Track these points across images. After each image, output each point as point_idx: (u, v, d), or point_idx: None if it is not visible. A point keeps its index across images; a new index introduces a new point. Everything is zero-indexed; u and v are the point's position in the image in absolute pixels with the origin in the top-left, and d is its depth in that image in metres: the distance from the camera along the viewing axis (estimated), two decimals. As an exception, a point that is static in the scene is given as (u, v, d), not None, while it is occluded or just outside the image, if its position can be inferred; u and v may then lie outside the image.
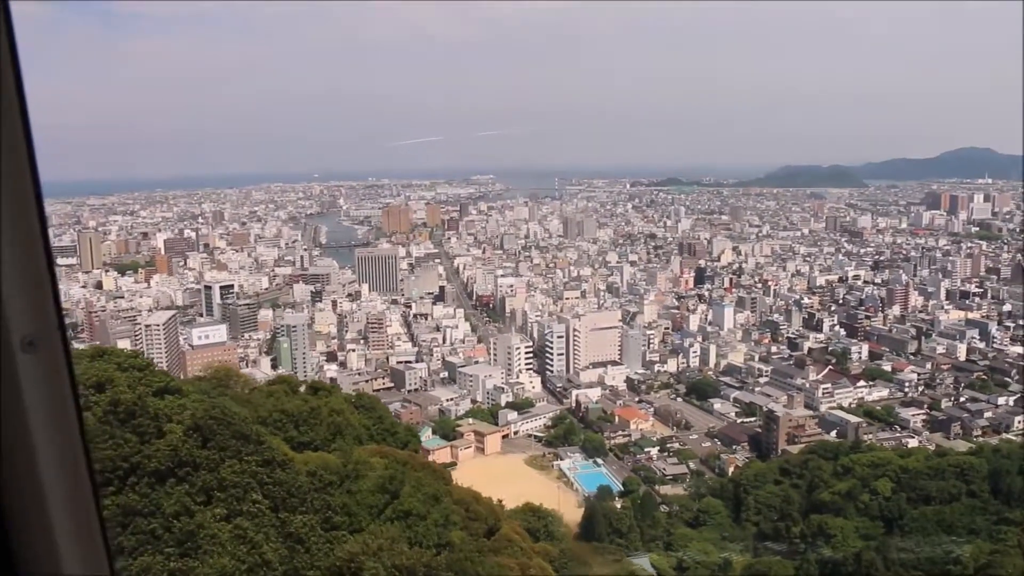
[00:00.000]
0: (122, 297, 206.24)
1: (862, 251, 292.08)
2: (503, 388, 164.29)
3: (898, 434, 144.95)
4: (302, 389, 58.11)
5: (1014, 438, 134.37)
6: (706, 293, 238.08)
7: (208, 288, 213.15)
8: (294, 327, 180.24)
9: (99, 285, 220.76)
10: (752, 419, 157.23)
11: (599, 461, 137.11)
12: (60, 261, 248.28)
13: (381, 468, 42.69)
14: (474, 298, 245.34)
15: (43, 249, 3.12)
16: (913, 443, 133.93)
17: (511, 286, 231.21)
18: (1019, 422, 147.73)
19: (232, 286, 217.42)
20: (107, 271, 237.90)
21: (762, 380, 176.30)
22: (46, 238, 3.14)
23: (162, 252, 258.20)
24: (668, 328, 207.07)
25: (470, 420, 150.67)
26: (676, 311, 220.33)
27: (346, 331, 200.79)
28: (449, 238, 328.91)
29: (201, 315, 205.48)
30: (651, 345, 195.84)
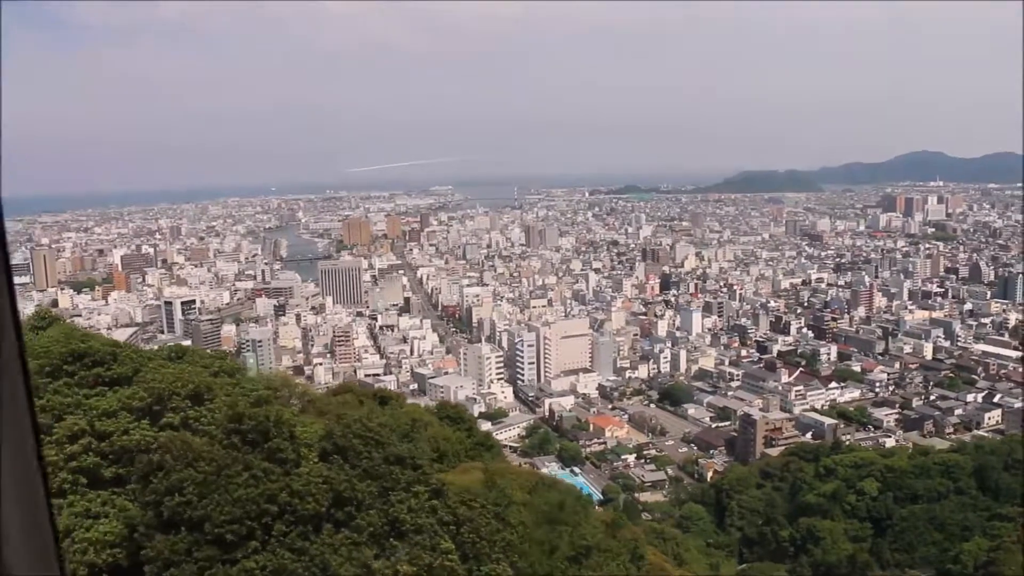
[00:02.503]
0: (79, 315, 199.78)
1: (823, 254, 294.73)
2: (475, 398, 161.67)
3: (873, 434, 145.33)
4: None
5: (986, 434, 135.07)
6: (672, 299, 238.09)
7: (169, 304, 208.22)
8: (259, 342, 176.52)
9: (55, 303, 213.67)
10: (727, 423, 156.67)
11: (576, 470, 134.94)
12: (14, 280, 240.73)
13: (524, 492, 34.88)
14: (440, 309, 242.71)
15: (2, 266, 3.04)
16: (890, 442, 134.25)
17: (477, 296, 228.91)
18: (989, 418, 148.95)
19: (193, 301, 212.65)
20: (63, 289, 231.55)
21: (734, 384, 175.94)
22: (5, 255, 3.06)
23: (119, 269, 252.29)
24: (637, 334, 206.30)
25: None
26: (644, 317, 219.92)
27: (312, 345, 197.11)
28: (411, 249, 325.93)
29: (162, 332, 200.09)
30: (621, 352, 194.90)
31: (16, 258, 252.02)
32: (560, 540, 32.54)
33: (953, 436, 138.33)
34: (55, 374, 25.29)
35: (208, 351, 39.98)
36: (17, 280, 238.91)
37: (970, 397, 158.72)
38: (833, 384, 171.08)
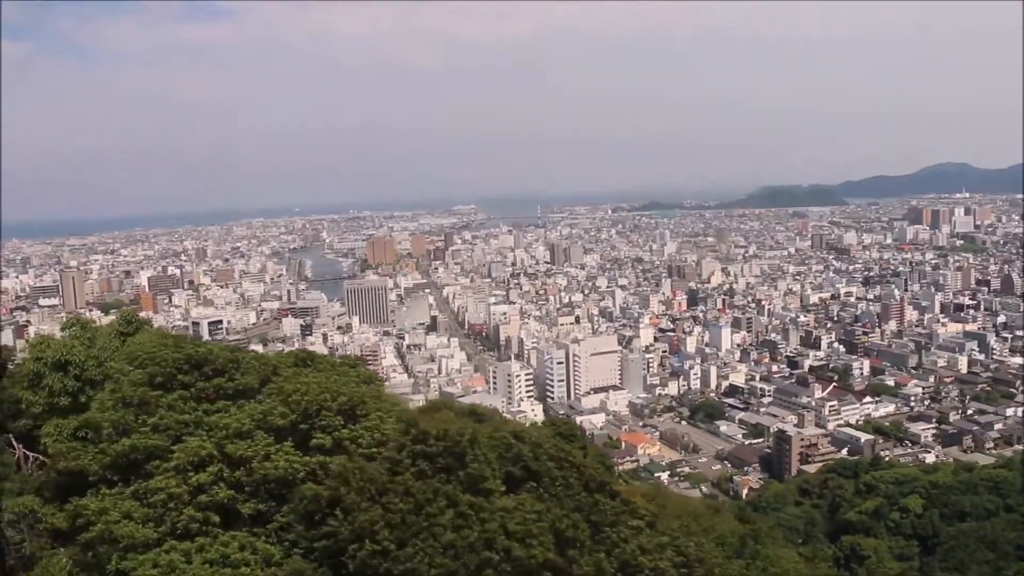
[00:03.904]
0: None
1: (851, 268, 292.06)
2: (505, 417, 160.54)
3: (913, 449, 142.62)
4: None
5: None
6: (700, 315, 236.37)
7: (196, 324, 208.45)
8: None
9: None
10: (760, 440, 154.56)
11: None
12: (43, 301, 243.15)
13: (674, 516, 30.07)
14: (467, 327, 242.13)
15: None
16: (929, 458, 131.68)
17: (504, 314, 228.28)
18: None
19: (220, 322, 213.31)
20: (91, 310, 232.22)
21: (766, 400, 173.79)
22: None
23: (146, 290, 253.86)
24: (666, 351, 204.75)
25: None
26: (672, 333, 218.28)
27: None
28: (436, 268, 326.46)
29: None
30: (650, 368, 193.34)
31: (45, 280, 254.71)
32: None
33: (994, 451, 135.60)
34: (167, 385, 21.38)
35: (336, 357, 33.94)
36: (47, 302, 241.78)
37: (1009, 411, 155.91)
38: (867, 399, 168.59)
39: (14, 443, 21.21)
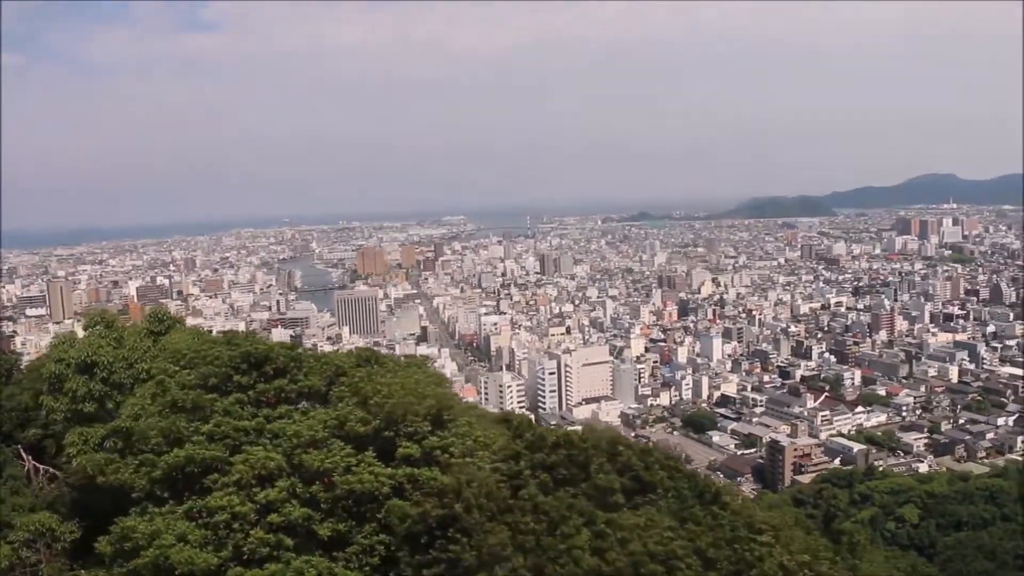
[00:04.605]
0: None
1: (840, 278, 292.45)
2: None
3: (906, 459, 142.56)
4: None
5: (1019, 458, 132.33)
6: (691, 325, 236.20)
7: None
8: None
9: (71, 335, 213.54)
10: (752, 450, 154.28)
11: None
12: (30, 311, 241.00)
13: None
14: (457, 337, 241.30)
15: None
16: (923, 468, 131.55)
17: (495, 324, 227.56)
18: (1022, 442, 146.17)
19: (210, 332, 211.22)
20: (78, 320, 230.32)
21: (758, 410, 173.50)
22: None
23: (135, 300, 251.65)
24: (657, 361, 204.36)
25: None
26: (663, 344, 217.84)
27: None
28: (426, 278, 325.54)
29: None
30: (642, 379, 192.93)
31: (32, 290, 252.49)
32: None
33: (987, 460, 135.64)
34: (223, 388, 18.98)
35: (401, 357, 30.29)
36: (34, 312, 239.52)
37: (1000, 421, 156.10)
38: (859, 409, 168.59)
39: (23, 454, 19.58)
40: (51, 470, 19.33)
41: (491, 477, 16.55)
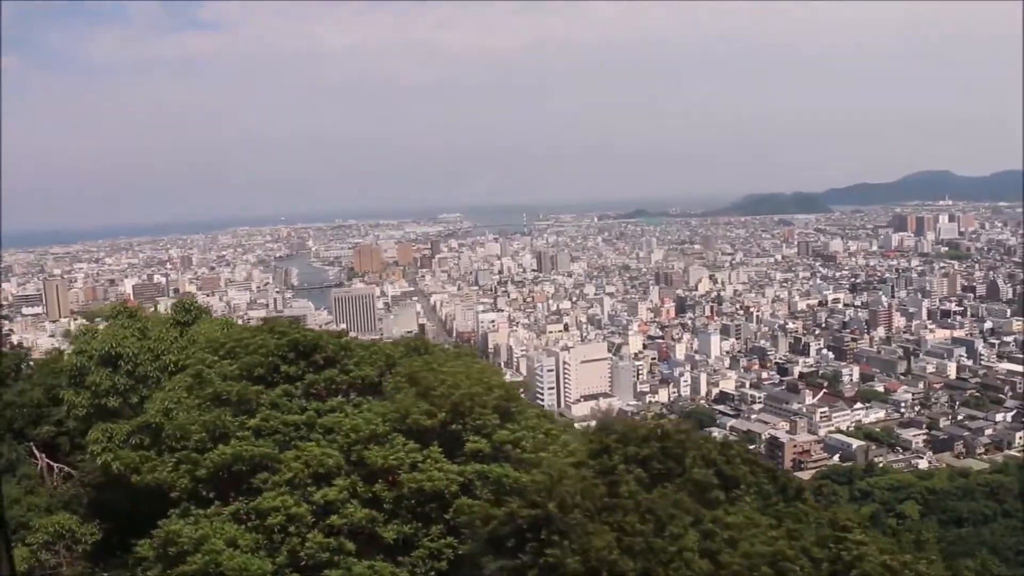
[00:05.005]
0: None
1: (837, 274, 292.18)
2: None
3: (905, 455, 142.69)
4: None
5: (1018, 454, 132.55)
6: (689, 322, 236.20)
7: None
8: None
9: (67, 334, 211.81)
10: (752, 446, 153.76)
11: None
12: (26, 310, 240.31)
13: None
14: (454, 335, 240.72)
15: None
16: (922, 464, 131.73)
17: (492, 321, 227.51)
18: (1021, 437, 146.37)
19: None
20: (75, 319, 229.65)
21: (756, 407, 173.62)
22: None
23: (132, 298, 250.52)
24: (655, 358, 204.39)
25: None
26: (661, 341, 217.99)
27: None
28: (423, 276, 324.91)
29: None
30: (640, 376, 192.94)
31: (28, 289, 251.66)
32: None
33: (986, 456, 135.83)
34: (269, 379, 17.61)
35: (447, 345, 28.37)
36: (30, 310, 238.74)
37: (999, 417, 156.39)
38: (858, 405, 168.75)
39: (36, 452, 18.71)
40: (65, 468, 18.54)
41: (584, 473, 14.84)
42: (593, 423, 18.47)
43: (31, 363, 24.67)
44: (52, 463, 18.68)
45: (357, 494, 15.56)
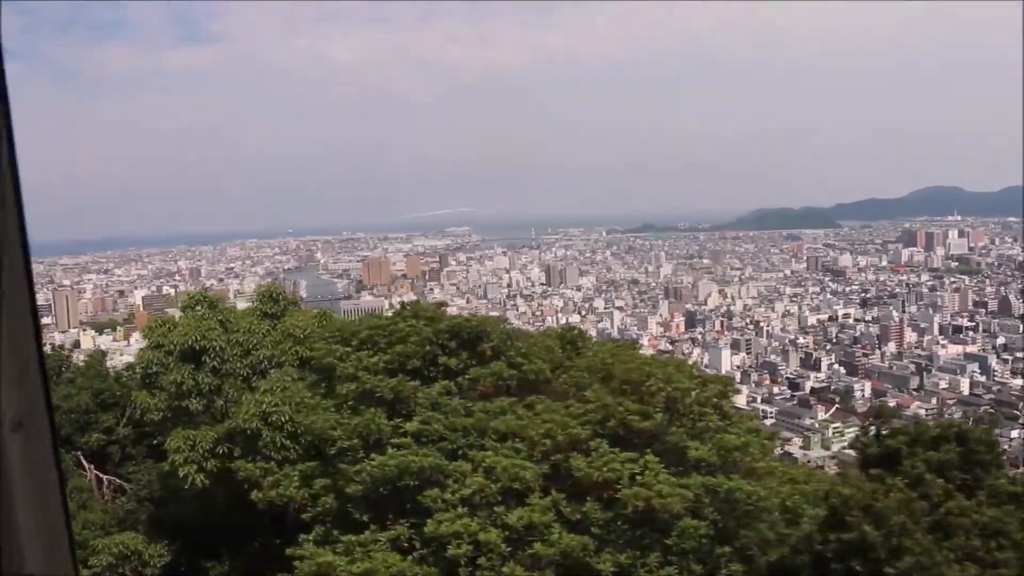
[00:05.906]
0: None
1: (847, 289, 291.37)
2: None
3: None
4: None
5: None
6: (699, 336, 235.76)
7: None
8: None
9: (77, 344, 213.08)
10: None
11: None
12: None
13: None
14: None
15: (32, 328, 2.96)
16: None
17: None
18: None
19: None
20: (84, 330, 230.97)
21: (768, 421, 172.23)
22: (36, 317, 2.98)
23: (141, 309, 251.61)
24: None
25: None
26: (671, 355, 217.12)
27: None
28: (432, 289, 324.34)
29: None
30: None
31: (38, 299, 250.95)
32: None
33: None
34: (426, 372, 15.07)
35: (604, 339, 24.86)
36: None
37: (1014, 433, 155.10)
38: (871, 421, 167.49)
39: (83, 462, 17.21)
40: (116, 480, 17.25)
41: (895, 483, 13.02)
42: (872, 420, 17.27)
43: (70, 367, 23.24)
44: (101, 475, 17.28)
45: (562, 516, 12.95)
